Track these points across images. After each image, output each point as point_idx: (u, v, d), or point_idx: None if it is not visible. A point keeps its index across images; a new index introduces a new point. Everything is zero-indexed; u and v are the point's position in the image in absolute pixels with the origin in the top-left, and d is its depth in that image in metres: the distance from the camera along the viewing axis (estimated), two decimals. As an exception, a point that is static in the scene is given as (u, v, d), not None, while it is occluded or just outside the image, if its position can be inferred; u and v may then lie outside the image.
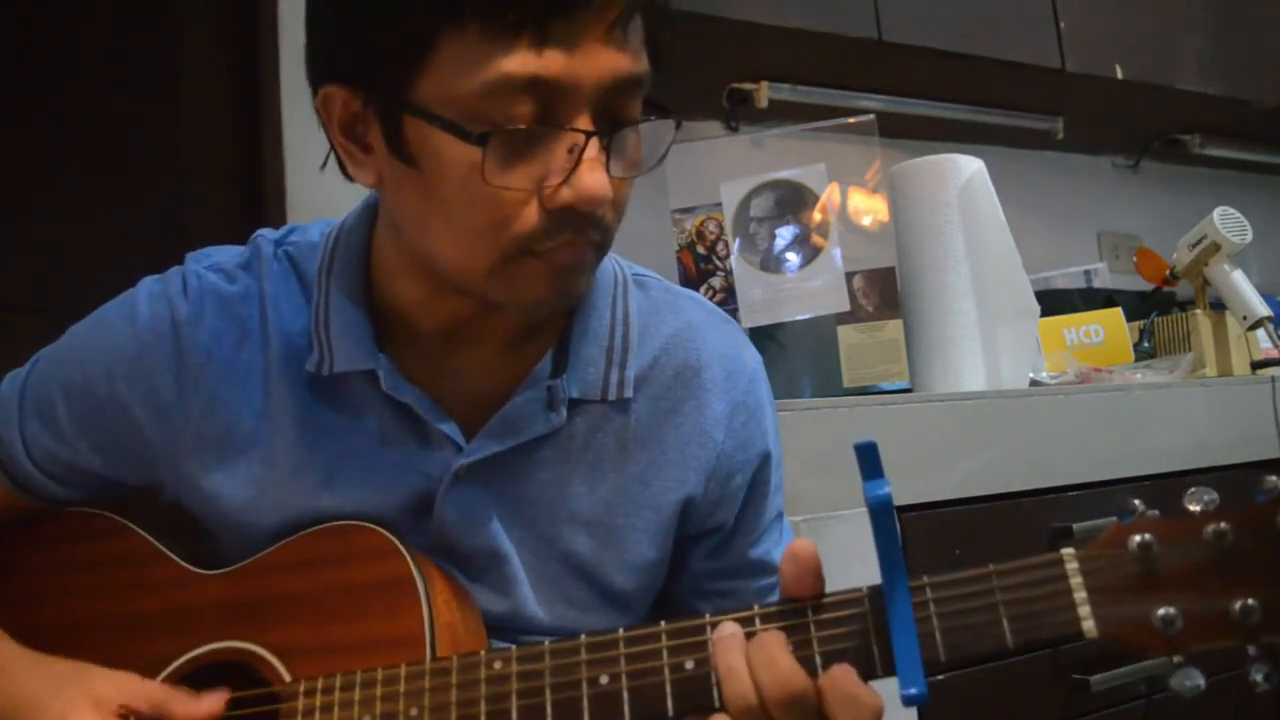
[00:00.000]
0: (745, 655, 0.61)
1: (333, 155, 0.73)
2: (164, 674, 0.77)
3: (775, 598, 0.87)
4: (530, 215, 0.65)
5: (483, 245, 0.67)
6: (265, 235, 0.83)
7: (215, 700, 0.75)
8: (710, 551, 0.86)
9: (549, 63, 0.61)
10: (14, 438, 0.81)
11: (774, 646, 0.61)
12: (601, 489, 0.81)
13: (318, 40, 0.68)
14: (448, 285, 0.72)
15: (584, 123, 0.64)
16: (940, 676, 1.18)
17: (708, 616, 0.64)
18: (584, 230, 0.67)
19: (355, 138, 0.69)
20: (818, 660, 0.61)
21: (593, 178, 0.64)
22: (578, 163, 0.64)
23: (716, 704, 0.62)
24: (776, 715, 0.59)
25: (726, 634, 0.63)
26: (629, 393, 0.80)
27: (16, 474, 0.82)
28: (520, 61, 0.61)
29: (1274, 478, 0.55)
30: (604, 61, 0.63)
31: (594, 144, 0.64)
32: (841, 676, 0.59)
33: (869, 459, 0.59)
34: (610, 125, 0.65)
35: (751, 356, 0.86)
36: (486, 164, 0.62)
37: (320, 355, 0.77)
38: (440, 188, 0.65)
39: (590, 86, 0.63)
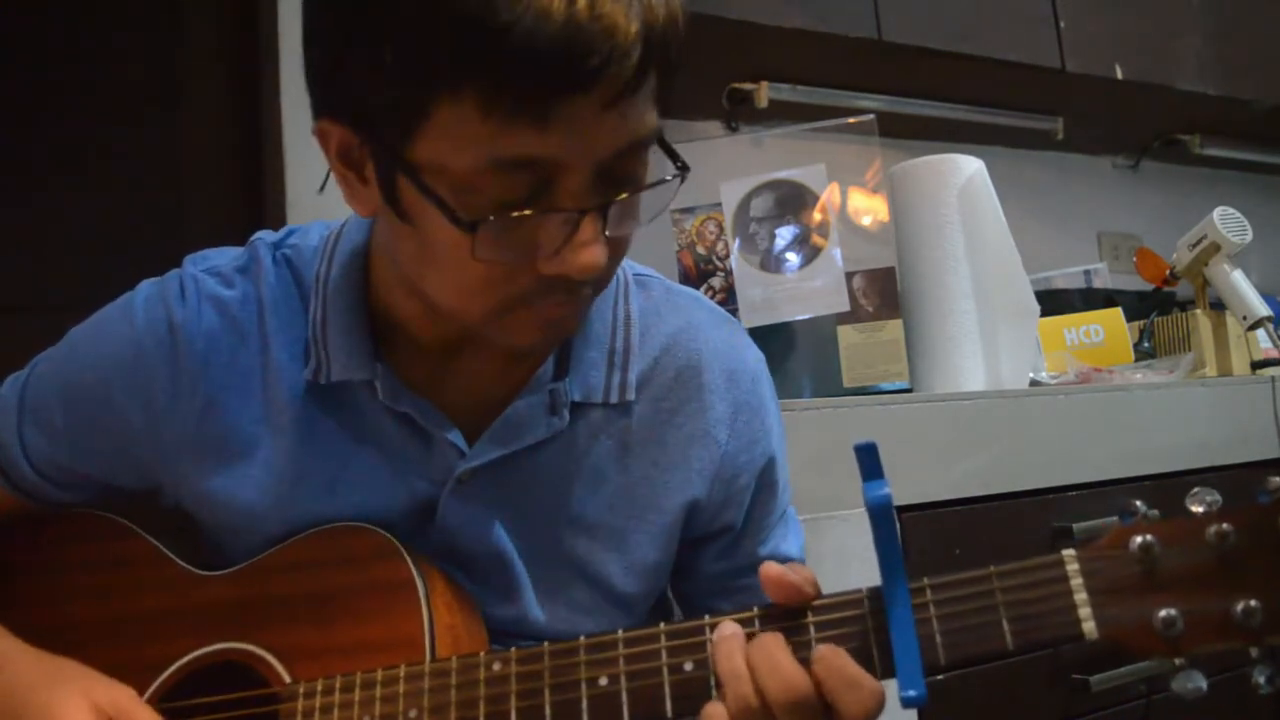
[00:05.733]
0: (746, 658, 0.61)
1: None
2: (165, 675, 0.77)
3: None
4: (523, 278, 0.64)
5: (475, 300, 0.66)
6: (263, 238, 0.82)
7: None
8: (721, 552, 0.86)
9: (547, 145, 0.58)
10: (13, 442, 0.81)
11: (776, 649, 0.60)
12: (604, 492, 0.80)
13: (312, 76, 0.65)
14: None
15: (581, 198, 0.61)
16: (940, 677, 1.18)
17: (707, 618, 0.64)
18: (577, 290, 0.66)
19: (353, 166, 0.67)
20: (817, 661, 0.61)
21: (587, 254, 0.62)
22: (571, 236, 0.62)
23: (715, 702, 0.62)
24: (781, 718, 0.59)
25: (727, 634, 0.62)
26: (631, 395, 0.80)
27: (15, 477, 0.82)
28: (518, 144, 0.58)
29: (1277, 479, 0.55)
30: (605, 137, 0.60)
31: (589, 217, 0.62)
32: (836, 660, 0.59)
33: (869, 459, 0.59)
34: (610, 188, 0.62)
35: (753, 356, 0.86)
36: (477, 244, 0.61)
37: (318, 364, 0.76)
38: (432, 249, 0.64)
39: (589, 162, 0.60)
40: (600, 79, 0.57)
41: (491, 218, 0.60)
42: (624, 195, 0.63)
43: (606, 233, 0.63)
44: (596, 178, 0.62)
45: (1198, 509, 0.57)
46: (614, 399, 0.79)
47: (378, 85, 0.59)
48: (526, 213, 0.60)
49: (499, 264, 0.63)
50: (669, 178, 0.66)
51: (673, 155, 0.66)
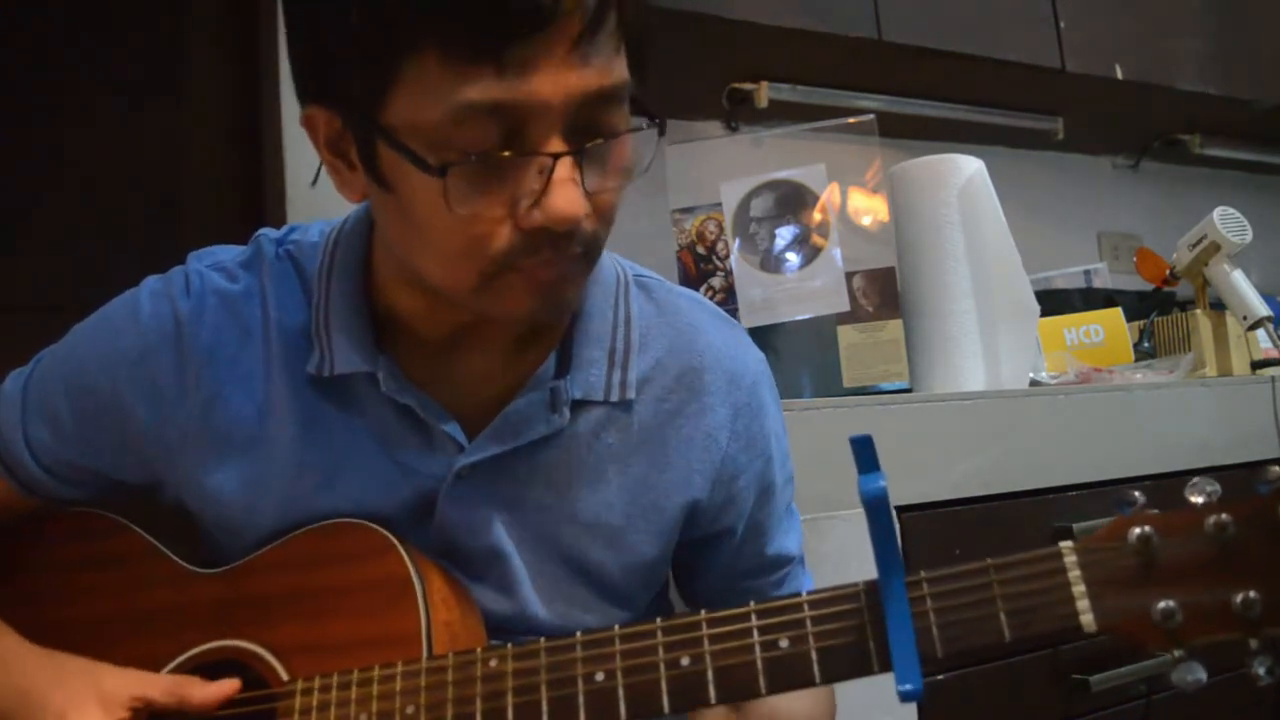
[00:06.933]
0: None
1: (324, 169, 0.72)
2: (163, 672, 0.77)
3: (791, 587, 0.88)
4: (505, 235, 0.64)
5: (462, 266, 0.66)
6: (267, 234, 0.83)
7: (229, 684, 0.75)
8: (726, 553, 0.86)
9: (510, 88, 0.59)
10: (17, 436, 0.81)
11: None
12: (603, 490, 0.81)
13: (294, 62, 0.67)
14: (442, 297, 0.72)
15: (553, 144, 0.62)
16: (940, 676, 1.18)
17: (703, 613, 0.64)
18: (564, 247, 0.66)
19: (340, 153, 0.68)
20: (814, 656, 0.61)
21: (564, 199, 0.62)
22: (547, 184, 0.62)
23: (712, 700, 0.62)
24: None
25: None
26: (631, 394, 0.80)
27: (19, 472, 0.82)
28: (481, 89, 0.59)
29: (1276, 469, 0.55)
30: (569, 81, 0.60)
31: (564, 164, 0.62)
32: None
33: (864, 452, 0.59)
34: (584, 137, 0.63)
35: (754, 358, 0.86)
36: (450, 193, 0.61)
37: (320, 357, 0.77)
38: (414, 212, 0.65)
39: (557, 107, 0.61)
40: (554, 17, 0.58)
41: (471, 157, 0.61)
42: (598, 141, 0.63)
43: (586, 186, 0.63)
44: (570, 127, 0.62)
45: (1197, 499, 0.56)
46: (614, 397, 0.79)
47: (348, 53, 0.61)
48: (503, 155, 0.61)
49: (477, 217, 0.63)
50: (644, 127, 0.66)
51: (647, 111, 0.67)
